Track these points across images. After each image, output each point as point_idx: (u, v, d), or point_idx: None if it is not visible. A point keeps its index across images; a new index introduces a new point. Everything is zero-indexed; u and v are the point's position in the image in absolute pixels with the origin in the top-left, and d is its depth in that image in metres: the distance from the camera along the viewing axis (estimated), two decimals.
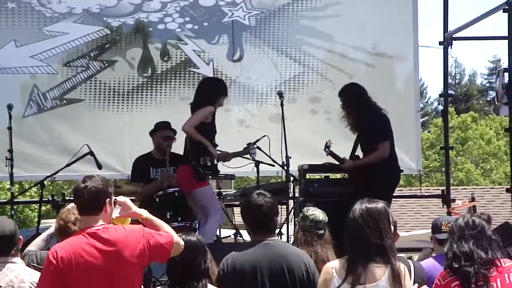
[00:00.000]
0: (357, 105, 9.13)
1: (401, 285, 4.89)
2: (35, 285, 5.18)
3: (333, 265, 5.02)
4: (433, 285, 5.04)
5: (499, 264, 4.94)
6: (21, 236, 5.47)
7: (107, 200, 4.94)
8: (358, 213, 5.00)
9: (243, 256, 5.45)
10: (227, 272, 5.40)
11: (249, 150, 9.06)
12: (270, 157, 9.47)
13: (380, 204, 5.07)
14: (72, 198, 5.20)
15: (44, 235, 6.24)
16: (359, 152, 9.36)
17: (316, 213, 6.30)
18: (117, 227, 4.92)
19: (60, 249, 4.87)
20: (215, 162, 8.76)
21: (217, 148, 9.36)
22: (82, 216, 4.98)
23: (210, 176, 8.86)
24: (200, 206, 8.64)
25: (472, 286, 4.87)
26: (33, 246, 6.10)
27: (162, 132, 9.38)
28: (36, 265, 5.71)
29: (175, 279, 5.12)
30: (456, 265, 4.92)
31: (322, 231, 6.23)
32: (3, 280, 5.16)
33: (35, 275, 5.28)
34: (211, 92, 8.90)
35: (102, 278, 4.79)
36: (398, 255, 5.64)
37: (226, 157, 9.06)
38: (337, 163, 9.41)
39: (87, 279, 4.79)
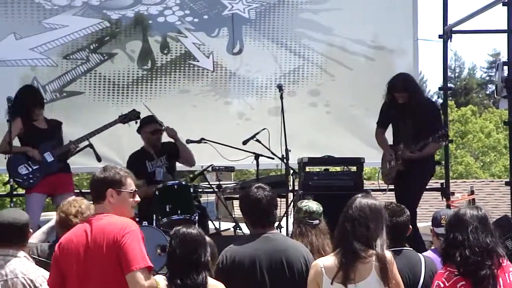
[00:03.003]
0: (420, 95, 9.14)
1: (389, 276, 4.87)
2: (28, 281, 5.20)
3: (322, 263, 5.02)
4: (435, 287, 4.82)
5: (500, 263, 4.79)
6: (31, 230, 5.49)
7: (107, 189, 4.97)
8: (353, 207, 5.00)
9: (242, 249, 5.45)
10: (226, 264, 5.41)
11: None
12: (269, 150, 9.48)
13: (377, 201, 5.07)
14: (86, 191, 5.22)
15: (44, 228, 6.25)
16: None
17: (310, 204, 6.32)
18: (111, 218, 4.92)
19: (63, 238, 5.03)
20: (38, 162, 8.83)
21: (216, 141, 9.40)
22: (93, 204, 5.12)
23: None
24: None
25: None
26: (33, 239, 6.09)
27: (148, 127, 9.42)
28: (36, 257, 5.72)
29: (175, 271, 5.12)
30: (462, 262, 4.72)
31: (316, 221, 6.23)
32: None
33: (32, 271, 5.28)
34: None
35: (82, 264, 4.84)
36: (407, 248, 5.68)
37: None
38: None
39: (71, 264, 4.87)
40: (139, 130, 9.50)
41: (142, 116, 9.47)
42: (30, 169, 8.86)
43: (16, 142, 8.99)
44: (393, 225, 5.60)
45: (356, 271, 4.90)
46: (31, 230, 5.50)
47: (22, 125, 8.93)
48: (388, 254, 4.94)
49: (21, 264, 5.27)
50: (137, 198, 5.09)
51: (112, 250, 4.79)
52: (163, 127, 9.39)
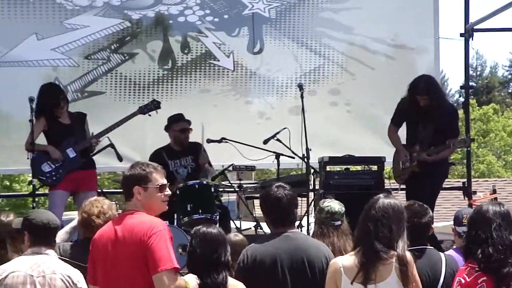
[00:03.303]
0: (442, 99, 9.09)
1: (409, 278, 4.85)
2: (66, 277, 5.25)
3: (341, 263, 5.01)
4: (456, 283, 4.82)
5: None
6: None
7: (134, 186, 5.01)
8: (377, 208, 4.98)
9: (263, 248, 5.45)
10: (247, 263, 5.40)
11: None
12: (290, 149, 9.47)
13: (398, 201, 5.05)
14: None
15: (67, 228, 6.28)
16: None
17: (332, 204, 6.28)
18: (142, 216, 4.96)
19: (96, 233, 5.14)
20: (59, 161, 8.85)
21: (237, 140, 9.41)
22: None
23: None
24: None
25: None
26: (56, 238, 6.12)
27: (178, 125, 9.44)
28: (58, 256, 5.75)
29: (195, 271, 5.13)
30: (484, 259, 4.69)
31: (339, 222, 6.21)
32: (36, 270, 5.22)
33: (67, 268, 5.34)
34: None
35: (109, 261, 4.92)
36: (429, 247, 5.66)
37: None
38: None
39: (100, 260, 4.96)
40: (167, 128, 9.51)
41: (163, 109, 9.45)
42: (53, 166, 8.90)
43: (42, 139, 9.04)
44: (416, 225, 5.59)
45: (377, 271, 4.88)
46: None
47: (45, 122, 8.98)
48: (409, 255, 4.93)
49: (56, 262, 5.34)
50: (167, 192, 5.11)
51: (139, 250, 4.83)
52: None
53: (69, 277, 5.26)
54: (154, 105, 9.36)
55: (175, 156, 9.37)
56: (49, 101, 8.99)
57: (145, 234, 4.83)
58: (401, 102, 9.16)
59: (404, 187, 9.22)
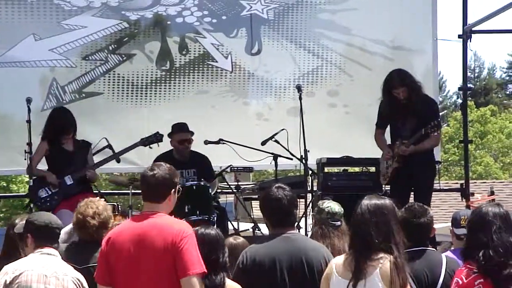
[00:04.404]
0: (419, 91, 8.79)
1: (392, 278, 4.78)
2: (77, 280, 5.26)
3: (335, 261, 5.02)
4: (453, 284, 4.78)
5: None
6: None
7: (172, 191, 5.05)
8: (364, 208, 4.94)
9: (263, 249, 5.44)
10: (246, 264, 5.40)
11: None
12: (288, 150, 9.47)
13: (388, 201, 5.00)
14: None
15: (67, 228, 6.23)
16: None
17: (332, 205, 6.27)
18: (165, 217, 4.98)
19: (110, 232, 5.09)
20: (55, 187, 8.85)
21: (235, 142, 9.38)
22: (145, 202, 5.10)
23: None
24: None
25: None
26: None
27: (177, 135, 9.37)
28: None
29: None
30: (485, 261, 4.65)
31: (338, 223, 6.20)
32: (49, 270, 5.22)
33: (75, 272, 5.35)
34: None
35: (134, 261, 4.89)
36: (430, 249, 5.64)
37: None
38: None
39: (121, 260, 4.92)
40: (169, 135, 9.45)
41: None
42: (50, 192, 8.91)
43: (44, 164, 9.05)
44: (416, 226, 5.58)
45: (362, 272, 4.85)
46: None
47: (48, 147, 8.96)
48: (394, 256, 4.85)
49: (63, 264, 5.36)
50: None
51: (169, 252, 4.85)
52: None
53: (78, 279, 5.29)
54: (157, 138, 9.25)
55: (177, 166, 9.29)
56: (58, 128, 8.96)
57: (176, 236, 4.86)
58: (380, 105, 9.06)
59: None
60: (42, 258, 5.28)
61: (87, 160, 9.07)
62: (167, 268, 4.86)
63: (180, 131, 9.37)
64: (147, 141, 9.24)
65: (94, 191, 9.20)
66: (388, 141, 9.05)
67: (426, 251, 5.61)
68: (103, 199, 6.28)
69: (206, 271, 4.92)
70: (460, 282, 4.74)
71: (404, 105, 8.70)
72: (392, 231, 4.87)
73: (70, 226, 6.25)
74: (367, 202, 4.96)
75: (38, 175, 8.95)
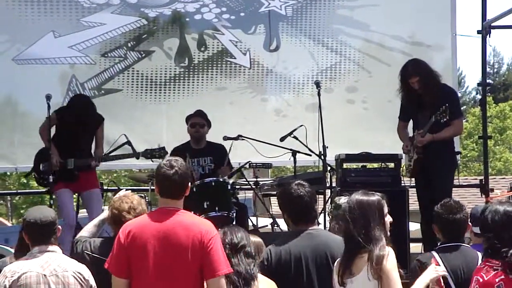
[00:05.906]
0: (435, 80, 8.72)
1: (378, 272, 4.77)
2: (78, 274, 5.26)
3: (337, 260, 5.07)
4: (474, 282, 4.77)
5: None
6: (60, 226, 5.51)
7: (188, 185, 5.09)
8: (346, 206, 4.96)
9: (287, 246, 5.46)
10: (271, 262, 5.42)
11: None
12: (307, 146, 9.47)
13: (373, 197, 4.97)
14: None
15: (96, 221, 6.16)
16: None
17: None
18: (187, 215, 5.02)
19: (129, 225, 5.07)
20: (53, 170, 8.81)
21: (253, 138, 9.39)
22: (163, 198, 5.08)
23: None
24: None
25: None
26: (85, 232, 6.04)
27: (190, 120, 9.43)
28: (89, 253, 5.74)
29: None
30: (509, 260, 4.62)
31: None
32: (47, 269, 5.22)
33: (77, 265, 5.33)
34: None
35: (159, 257, 4.90)
36: (465, 245, 5.65)
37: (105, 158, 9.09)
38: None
39: (144, 255, 4.92)
40: (186, 122, 9.50)
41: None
42: (48, 169, 8.90)
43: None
44: (451, 222, 5.60)
45: (352, 267, 4.87)
46: (59, 227, 5.49)
47: (57, 122, 9.00)
48: (378, 250, 4.83)
49: (64, 259, 5.34)
50: None
51: (196, 252, 4.88)
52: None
53: (80, 273, 5.27)
54: (160, 154, 9.10)
55: (194, 155, 9.35)
56: (78, 110, 9.01)
57: (203, 237, 4.89)
58: (401, 97, 9.05)
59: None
60: (40, 258, 5.27)
61: (97, 138, 9.09)
62: (192, 267, 4.88)
63: (194, 116, 9.42)
64: (150, 155, 9.16)
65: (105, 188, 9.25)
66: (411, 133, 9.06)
67: (461, 246, 5.64)
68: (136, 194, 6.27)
69: (232, 270, 4.96)
70: (481, 279, 4.73)
71: (420, 95, 8.69)
72: (370, 226, 4.85)
73: (99, 218, 6.19)
74: (349, 199, 4.99)
75: (47, 146, 8.91)
